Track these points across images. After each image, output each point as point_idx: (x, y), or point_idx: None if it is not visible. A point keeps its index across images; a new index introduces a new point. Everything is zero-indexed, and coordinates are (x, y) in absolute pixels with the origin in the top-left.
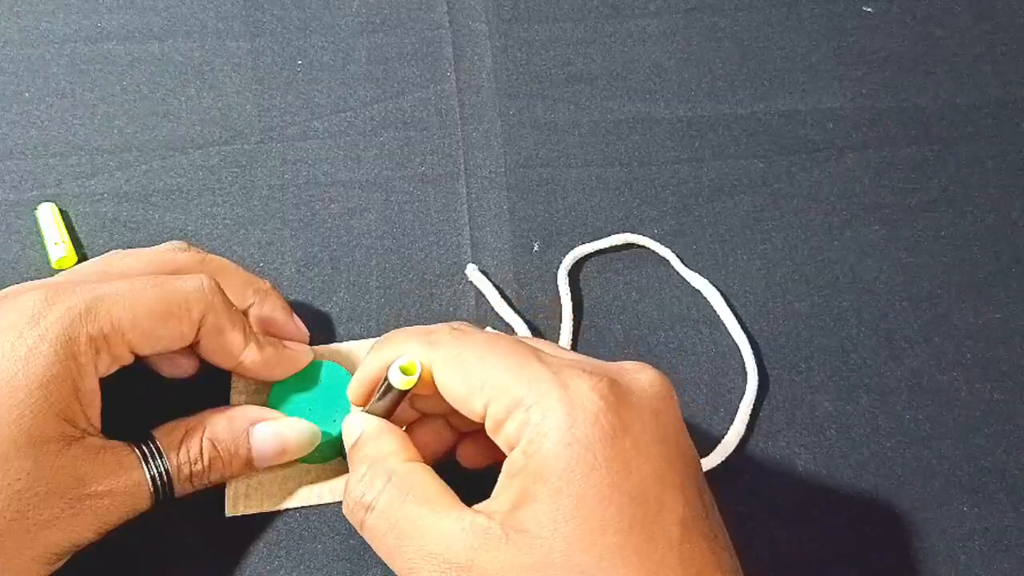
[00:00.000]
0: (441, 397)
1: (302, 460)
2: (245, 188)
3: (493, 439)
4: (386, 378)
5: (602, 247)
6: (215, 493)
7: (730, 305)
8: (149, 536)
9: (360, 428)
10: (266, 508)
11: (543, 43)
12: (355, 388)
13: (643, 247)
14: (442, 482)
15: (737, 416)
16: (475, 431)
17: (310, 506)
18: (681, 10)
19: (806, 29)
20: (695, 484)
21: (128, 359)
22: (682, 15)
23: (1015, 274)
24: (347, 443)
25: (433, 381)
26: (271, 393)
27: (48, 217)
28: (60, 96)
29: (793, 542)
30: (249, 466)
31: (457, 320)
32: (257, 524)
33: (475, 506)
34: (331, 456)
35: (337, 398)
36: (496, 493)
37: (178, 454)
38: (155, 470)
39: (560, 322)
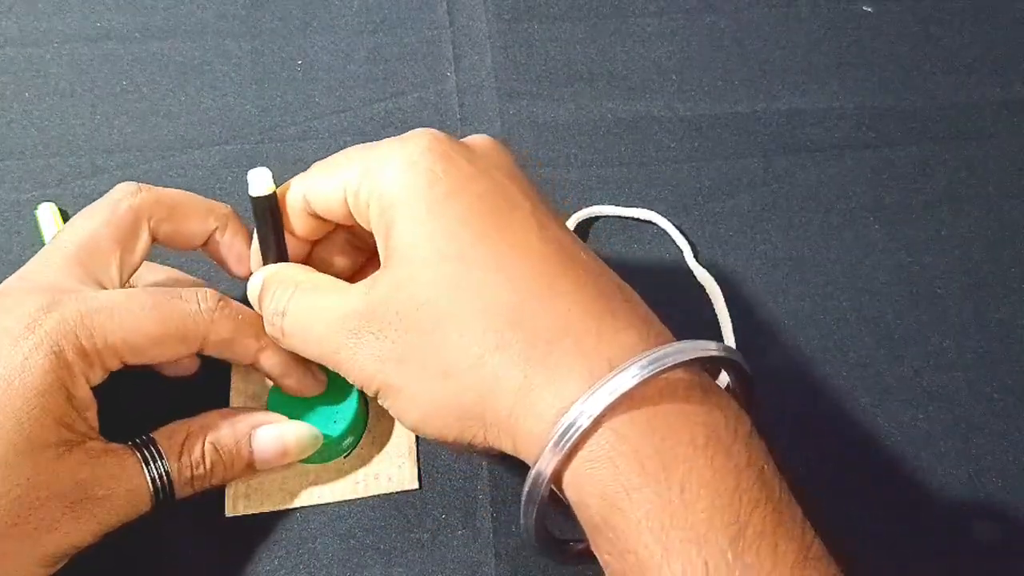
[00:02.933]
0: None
1: (302, 460)
2: (245, 188)
3: (360, 222)
4: (254, 205)
5: (621, 214)
6: (215, 493)
7: (729, 305)
8: (149, 536)
9: (261, 276)
10: (266, 508)
11: (543, 43)
12: (251, 256)
13: (662, 229)
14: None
15: None
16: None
17: (310, 506)
18: (681, 10)
19: (806, 29)
20: (541, 198)
21: (119, 367)
22: (682, 15)
23: (1015, 274)
24: (252, 296)
25: (301, 200)
26: (271, 393)
27: (48, 217)
28: (60, 96)
29: None
30: (250, 469)
31: None
32: (257, 524)
33: None
34: (331, 457)
35: (337, 399)
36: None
37: (179, 458)
38: (156, 472)
39: None
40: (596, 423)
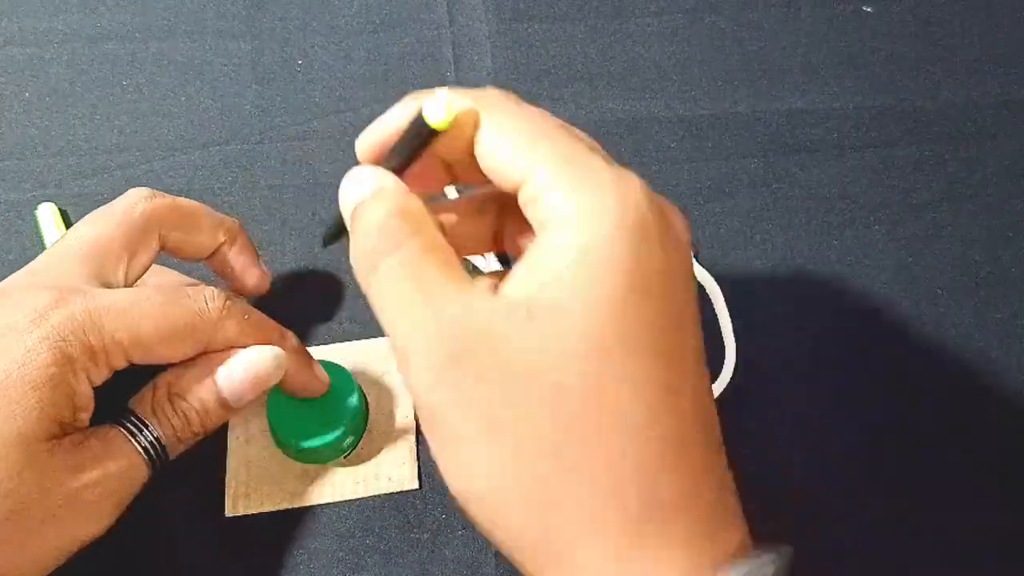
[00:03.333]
0: (467, 163)
1: (302, 461)
2: (245, 188)
3: (525, 211)
4: (415, 120)
5: None
6: (216, 493)
7: (729, 305)
8: (149, 536)
9: (377, 182)
10: (266, 508)
11: (543, 43)
12: (369, 138)
13: None
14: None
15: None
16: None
17: (310, 506)
18: (681, 10)
19: (806, 29)
20: (700, 329)
21: (124, 366)
22: (682, 15)
23: (1015, 274)
24: (351, 200)
25: (470, 137)
26: (271, 393)
27: (48, 217)
28: (60, 96)
29: (792, 541)
30: (227, 408)
31: None
32: (257, 524)
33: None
34: (331, 457)
35: (338, 399)
36: (517, 276)
37: (157, 419)
38: (145, 441)
39: None
40: None
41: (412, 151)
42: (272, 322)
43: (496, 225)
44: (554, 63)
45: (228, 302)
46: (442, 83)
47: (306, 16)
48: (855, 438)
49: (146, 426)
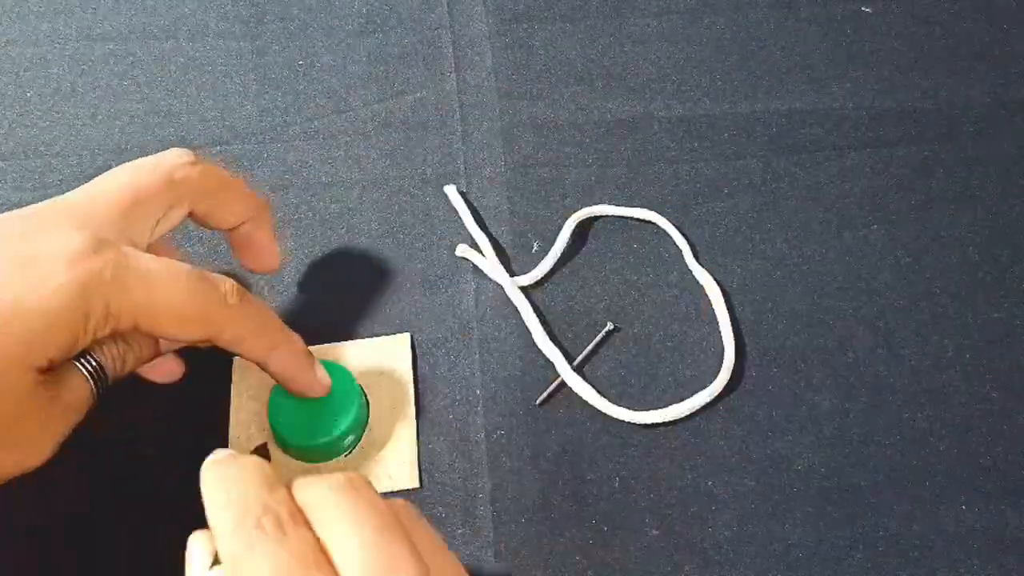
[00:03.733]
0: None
1: (302, 460)
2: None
3: None
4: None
5: (621, 214)
6: None
7: (729, 305)
8: (149, 536)
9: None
10: None
11: (543, 43)
12: None
13: (662, 229)
14: None
15: (686, 401)
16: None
17: None
18: (681, 10)
19: (806, 29)
20: None
21: (128, 331)
22: (682, 15)
23: (1015, 274)
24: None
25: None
26: (272, 392)
27: None
28: (62, 96)
29: (791, 542)
30: (159, 351)
31: (456, 314)
32: None
33: None
34: (331, 456)
35: (338, 399)
36: None
37: (101, 351)
38: (92, 368)
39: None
40: None
41: None
42: (279, 322)
43: None
44: (554, 63)
45: (244, 298)
46: (442, 83)
47: (307, 17)
48: (855, 437)
49: (95, 359)
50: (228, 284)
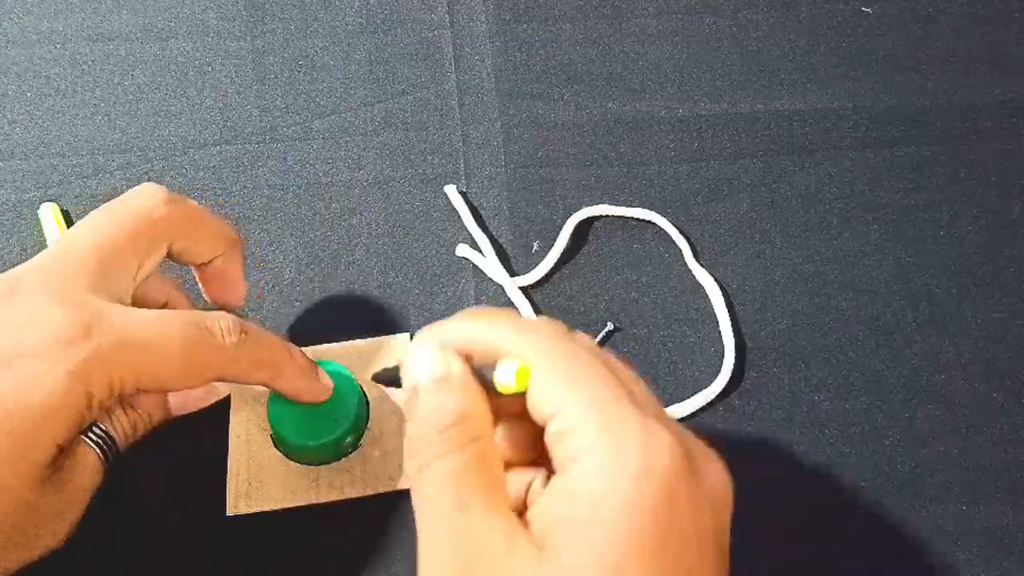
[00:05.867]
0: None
1: (302, 460)
2: (245, 188)
3: (549, 446)
4: (483, 378)
5: (621, 214)
6: (217, 493)
7: (729, 305)
8: (149, 536)
9: (445, 368)
10: (266, 508)
11: (543, 43)
12: (436, 336)
13: (662, 229)
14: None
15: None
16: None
17: (310, 506)
18: (681, 10)
19: (806, 29)
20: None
21: (133, 393)
22: (682, 15)
23: (1015, 274)
24: (418, 374)
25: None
26: (272, 393)
27: (50, 217)
28: (62, 96)
29: (791, 542)
30: (170, 414)
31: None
32: (257, 524)
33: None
34: (331, 457)
35: (338, 399)
36: (538, 508)
37: (109, 421)
38: (103, 445)
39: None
40: None
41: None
42: (279, 343)
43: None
44: (554, 63)
45: (243, 334)
46: (442, 83)
47: (307, 17)
48: (855, 437)
49: (103, 430)
50: (224, 322)
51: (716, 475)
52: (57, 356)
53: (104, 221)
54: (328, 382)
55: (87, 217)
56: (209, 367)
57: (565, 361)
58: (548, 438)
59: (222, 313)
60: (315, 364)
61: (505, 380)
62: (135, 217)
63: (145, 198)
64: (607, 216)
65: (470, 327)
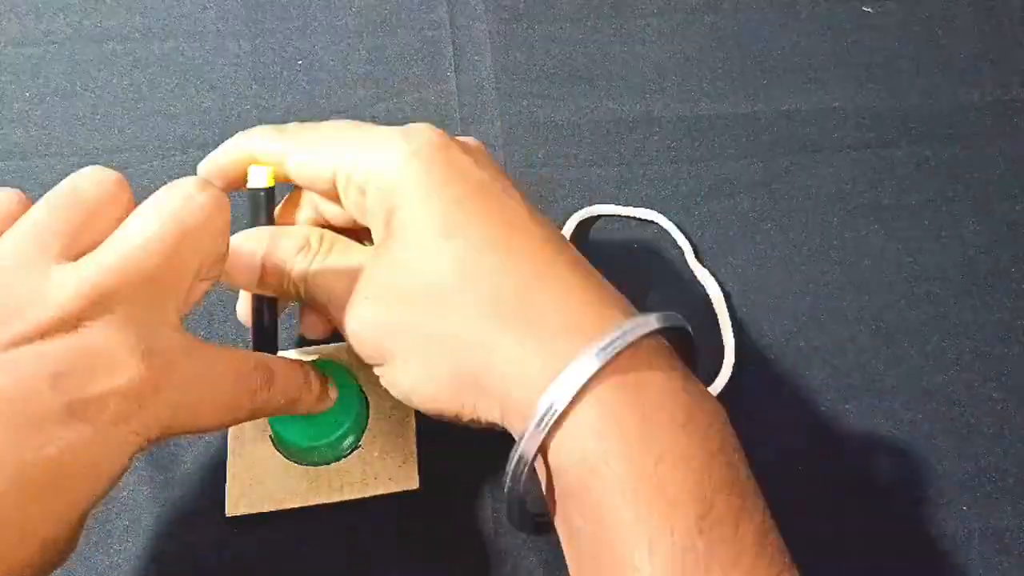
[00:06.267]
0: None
1: (302, 461)
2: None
3: (347, 207)
4: (250, 189)
5: (621, 213)
6: (216, 493)
7: (729, 305)
8: (149, 536)
9: (270, 234)
10: (266, 508)
11: (543, 43)
12: (211, 172)
13: (663, 229)
14: None
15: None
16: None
17: (310, 506)
18: (681, 10)
19: (806, 29)
20: (524, 194)
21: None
22: (682, 15)
23: (1015, 274)
24: (248, 250)
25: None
26: None
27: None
28: (61, 96)
29: (791, 541)
30: None
31: None
32: (257, 524)
33: None
34: (331, 457)
35: (339, 399)
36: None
37: None
38: None
39: None
40: (581, 394)
41: (268, 210)
42: (299, 380)
43: None
44: (554, 63)
45: (270, 382)
46: (442, 83)
47: (306, 16)
48: (855, 437)
49: None
50: (261, 373)
51: (468, 139)
52: (116, 414)
53: (165, 226)
54: (334, 393)
55: (141, 213)
56: (240, 414)
57: (314, 134)
58: (343, 198)
59: (255, 357)
60: (326, 380)
61: (257, 182)
62: (201, 230)
63: (205, 208)
64: (607, 216)
65: (227, 149)
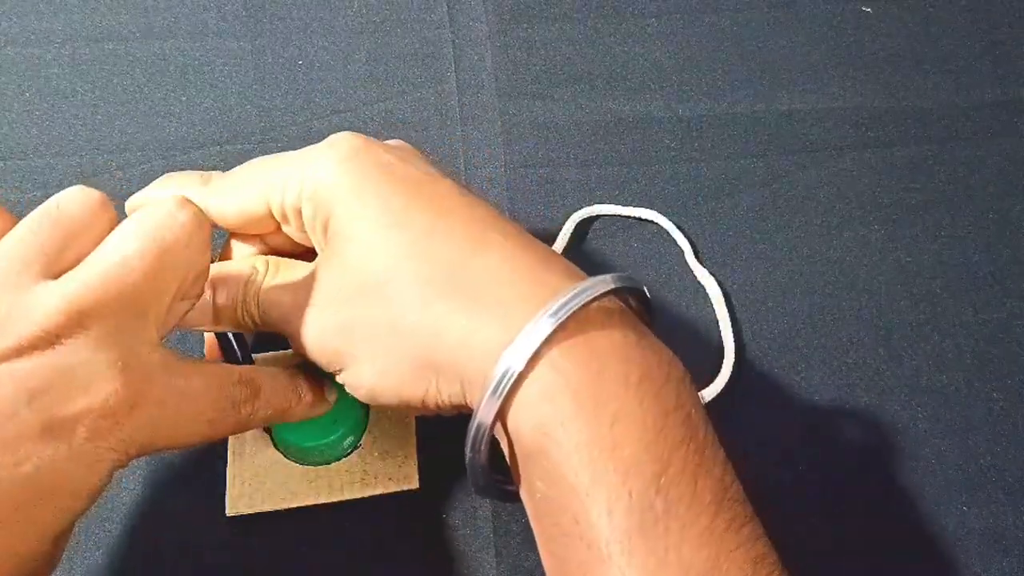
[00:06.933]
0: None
1: (302, 461)
2: None
3: (289, 232)
4: None
5: (621, 213)
6: (216, 493)
7: (729, 305)
8: (149, 536)
9: (223, 268)
10: (266, 508)
11: (543, 43)
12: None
13: (663, 229)
14: None
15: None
16: None
17: (310, 506)
18: (681, 10)
19: (806, 29)
20: (455, 179)
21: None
22: (682, 15)
23: (1015, 274)
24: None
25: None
26: None
27: None
28: (61, 96)
29: (791, 542)
30: None
31: None
32: (257, 524)
33: None
34: (331, 457)
35: (338, 399)
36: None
37: None
38: None
39: None
40: (535, 359)
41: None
42: (287, 391)
43: None
44: (554, 63)
45: (256, 400)
46: (442, 83)
47: (306, 16)
48: (855, 437)
49: None
50: (241, 389)
51: (392, 140)
52: (96, 428)
53: (145, 245)
54: (332, 396)
55: (119, 235)
56: (221, 433)
57: (235, 174)
58: (282, 224)
59: (239, 372)
60: (322, 384)
61: None
62: (183, 248)
63: (186, 226)
64: (607, 216)
65: (152, 192)
